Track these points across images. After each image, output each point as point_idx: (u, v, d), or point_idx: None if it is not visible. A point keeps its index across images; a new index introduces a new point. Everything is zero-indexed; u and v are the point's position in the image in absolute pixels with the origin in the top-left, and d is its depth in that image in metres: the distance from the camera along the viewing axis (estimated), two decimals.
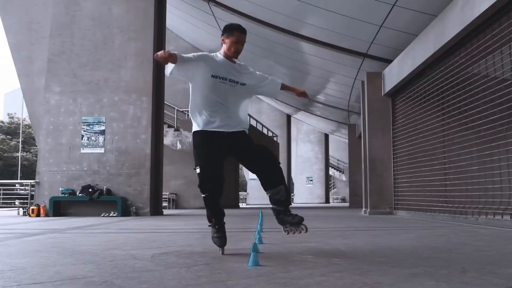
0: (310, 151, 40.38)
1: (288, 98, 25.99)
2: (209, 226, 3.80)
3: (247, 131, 3.79)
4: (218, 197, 3.67)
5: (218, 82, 3.64)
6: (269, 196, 3.67)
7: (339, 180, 49.12)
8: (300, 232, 3.52)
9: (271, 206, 3.72)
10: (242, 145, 3.70)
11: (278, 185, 3.61)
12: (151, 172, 12.41)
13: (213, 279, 2.59)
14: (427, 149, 10.11)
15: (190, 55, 3.67)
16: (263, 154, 3.65)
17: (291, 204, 3.48)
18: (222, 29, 3.82)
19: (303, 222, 3.53)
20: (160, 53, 3.38)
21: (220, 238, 3.68)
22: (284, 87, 4.00)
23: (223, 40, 3.73)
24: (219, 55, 3.75)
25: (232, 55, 3.72)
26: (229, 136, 3.65)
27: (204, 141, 3.65)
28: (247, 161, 3.74)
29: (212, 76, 3.62)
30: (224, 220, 3.79)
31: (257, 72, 3.92)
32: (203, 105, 3.65)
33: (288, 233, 3.56)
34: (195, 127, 3.72)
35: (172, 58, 3.43)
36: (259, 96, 32.41)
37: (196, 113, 3.68)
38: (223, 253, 3.66)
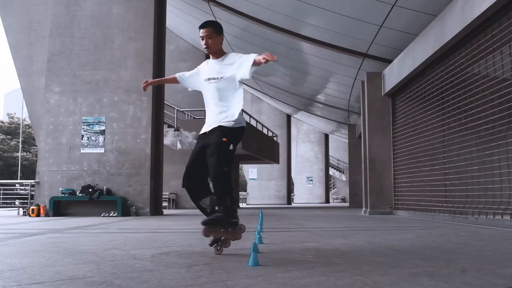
0: (310, 151, 40.38)
1: (288, 98, 25.99)
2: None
3: (231, 123, 3.62)
4: (194, 199, 3.73)
5: (206, 84, 3.76)
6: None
7: (339, 180, 49.12)
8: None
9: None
10: (209, 141, 3.62)
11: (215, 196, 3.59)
12: (151, 172, 12.41)
13: (213, 279, 2.59)
14: (427, 149, 10.11)
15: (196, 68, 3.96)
16: (209, 164, 3.54)
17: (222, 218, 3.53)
18: None
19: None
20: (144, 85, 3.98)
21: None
22: (256, 63, 3.55)
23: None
24: (210, 60, 3.87)
25: (209, 53, 3.79)
26: (208, 134, 3.68)
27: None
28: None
29: (205, 80, 3.78)
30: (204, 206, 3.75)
31: (241, 56, 3.71)
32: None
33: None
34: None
35: (167, 82, 4.16)
36: (259, 96, 32.51)
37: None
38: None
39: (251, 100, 33.43)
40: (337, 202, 45.43)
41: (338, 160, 48.41)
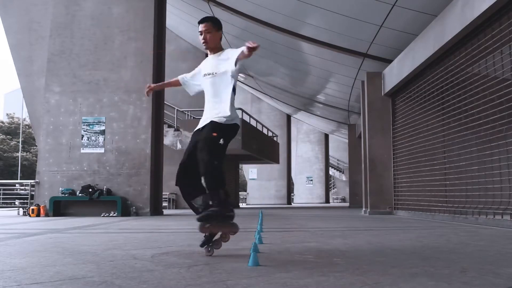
0: (310, 151, 40.36)
1: (288, 98, 25.99)
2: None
3: (223, 119, 3.57)
4: (187, 198, 3.68)
5: (204, 80, 3.78)
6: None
7: (339, 180, 49.11)
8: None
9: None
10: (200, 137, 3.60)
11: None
12: (151, 172, 12.41)
13: (213, 279, 2.59)
14: (427, 149, 10.11)
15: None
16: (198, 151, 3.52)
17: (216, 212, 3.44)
18: None
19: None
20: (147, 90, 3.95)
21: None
22: (240, 57, 3.54)
23: None
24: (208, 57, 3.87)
25: (205, 48, 3.79)
26: (200, 130, 3.68)
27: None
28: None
29: (203, 76, 3.79)
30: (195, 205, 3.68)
31: (235, 50, 3.63)
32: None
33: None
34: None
35: (170, 85, 4.04)
36: (259, 96, 32.50)
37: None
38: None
39: (251, 100, 33.43)
40: (337, 202, 45.42)
41: (338, 160, 48.40)
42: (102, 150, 12.48)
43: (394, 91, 12.20)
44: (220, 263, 3.21)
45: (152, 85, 4.27)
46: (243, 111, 19.33)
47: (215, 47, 3.76)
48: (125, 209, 12.00)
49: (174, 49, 21.29)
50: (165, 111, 14.96)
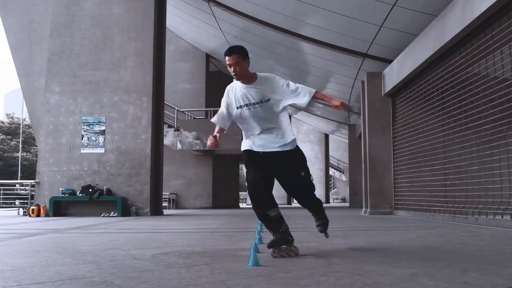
0: (310, 151, 40.34)
1: None
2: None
3: (289, 147, 3.78)
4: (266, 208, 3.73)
5: (240, 112, 3.74)
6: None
7: (339, 180, 49.10)
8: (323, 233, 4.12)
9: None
10: (277, 167, 3.77)
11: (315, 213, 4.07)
12: (151, 172, 12.41)
13: (213, 279, 2.59)
14: (427, 149, 10.10)
15: (222, 105, 3.85)
16: (294, 192, 3.99)
17: (327, 222, 4.07)
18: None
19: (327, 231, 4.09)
20: (209, 143, 3.69)
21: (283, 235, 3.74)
22: (318, 97, 3.81)
23: None
24: (238, 82, 3.78)
25: (235, 79, 3.74)
26: (264, 155, 3.75)
27: (250, 160, 3.82)
28: (283, 185, 3.87)
29: (237, 108, 3.74)
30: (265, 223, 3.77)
31: (285, 82, 3.77)
32: (244, 132, 3.86)
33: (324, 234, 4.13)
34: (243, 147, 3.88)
35: (221, 133, 3.79)
36: None
37: (243, 136, 3.88)
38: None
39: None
40: (337, 202, 45.43)
41: (338, 160, 48.40)
42: (102, 150, 12.48)
43: (394, 91, 12.20)
44: (220, 263, 3.21)
45: (216, 135, 3.83)
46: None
47: (245, 76, 3.71)
48: (125, 209, 12.00)
49: (174, 49, 21.29)
50: (165, 111, 14.96)
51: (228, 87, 3.84)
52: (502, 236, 5.36)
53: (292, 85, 3.77)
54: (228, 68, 3.68)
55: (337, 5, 11.07)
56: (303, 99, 3.76)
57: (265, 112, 3.70)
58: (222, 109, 3.84)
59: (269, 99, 3.69)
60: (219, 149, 18.13)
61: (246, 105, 3.70)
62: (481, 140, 7.58)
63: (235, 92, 3.76)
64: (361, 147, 14.39)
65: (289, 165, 3.77)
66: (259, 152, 3.74)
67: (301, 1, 11.24)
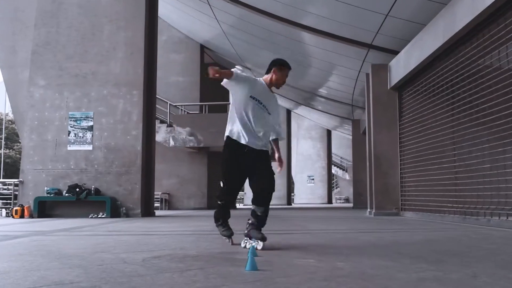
0: (311, 148, 40.40)
1: (287, 92, 25.99)
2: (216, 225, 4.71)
3: (267, 148, 4.53)
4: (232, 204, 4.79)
5: (250, 101, 4.39)
6: (252, 209, 4.47)
7: (342, 179, 49.16)
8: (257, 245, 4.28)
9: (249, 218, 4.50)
10: (256, 164, 4.41)
11: (264, 205, 4.45)
12: (142, 171, 12.40)
13: (207, 284, 2.59)
14: (436, 145, 10.12)
15: (243, 74, 4.58)
16: (265, 183, 4.35)
17: (263, 226, 4.53)
18: (273, 60, 4.61)
19: (265, 242, 4.27)
20: (211, 71, 4.06)
21: (228, 230, 4.62)
22: (274, 143, 4.73)
23: (274, 71, 4.50)
24: (262, 81, 4.54)
25: (275, 85, 4.55)
26: (251, 152, 4.38)
27: (230, 150, 4.47)
28: (251, 179, 4.44)
29: (251, 97, 4.39)
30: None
31: (278, 109, 4.73)
32: (238, 118, 4.41)
33: (245, 245, 4.36)
34: (227, 132, 4.50)
35: (226, 75, 4.23)
36: None
37: (230, 122, 4.47)
38: (232, 243, 4.58)
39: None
40: (340, 202, 45.48)
41: (341, 157, 48.42)
42: (90, 147, 12.47)
43: (400, 84, 12.21)
44: (215, 267, 3.21)
45: (216, 68, 4.15)
46: None
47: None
48: (115, 210, 12.00)
49: (166, 39, 21.25)
50: (157, 105, 14.94)
51: (252, 77, 4.62)
52: None
53: (277, 118, 4.67)
54: (281, 77, 4.50)
55: None
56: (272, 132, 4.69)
57: (264, 118, 4.46)
58: (243, 75, 4.52)
59: (270, 113, 4.53)
60: (214, 146, 18.14)
61: (258, 101, 4.40)
62: (493, 136, 7.59)
63: (258, 86, 4.47)
64: (365, 143, 14.40)
65: (267, 162, 4.48)
66: (246, 146, 4.38)
67: None
